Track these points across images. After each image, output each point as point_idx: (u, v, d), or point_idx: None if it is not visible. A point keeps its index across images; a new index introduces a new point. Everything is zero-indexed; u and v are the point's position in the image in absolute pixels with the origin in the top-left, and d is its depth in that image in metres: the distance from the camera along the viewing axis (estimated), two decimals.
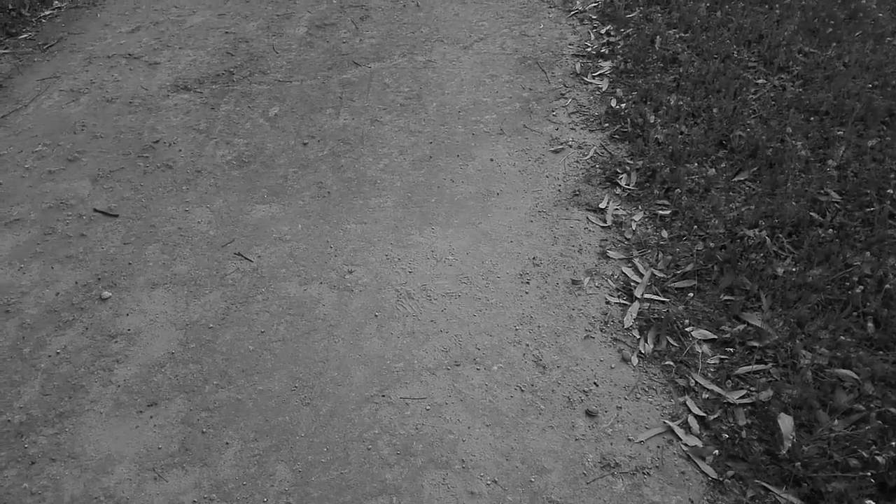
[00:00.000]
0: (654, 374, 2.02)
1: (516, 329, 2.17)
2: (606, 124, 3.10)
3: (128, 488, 1.76)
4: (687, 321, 2.13)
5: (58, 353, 2.11)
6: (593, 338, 2.14)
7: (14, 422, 1.92)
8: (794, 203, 2.45)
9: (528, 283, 2.32)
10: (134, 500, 1.73)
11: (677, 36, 3.68)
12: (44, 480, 1.78)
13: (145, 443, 1.87)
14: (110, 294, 2.30)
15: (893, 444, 1.70)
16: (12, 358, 2.09)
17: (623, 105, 3.17)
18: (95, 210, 2.67)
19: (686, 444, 1.83)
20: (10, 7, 4.09)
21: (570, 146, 2.98)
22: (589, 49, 3.72)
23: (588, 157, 2.90)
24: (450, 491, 1.75)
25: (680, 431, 1.86)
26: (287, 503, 1.72)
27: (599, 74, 3.48)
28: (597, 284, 2.31)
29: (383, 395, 1.98)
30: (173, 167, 2.89)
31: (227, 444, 1.86)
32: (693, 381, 1.98)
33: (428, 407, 1.95)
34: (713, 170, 2.69)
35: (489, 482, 1.76)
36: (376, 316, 2.22)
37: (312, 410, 1.94)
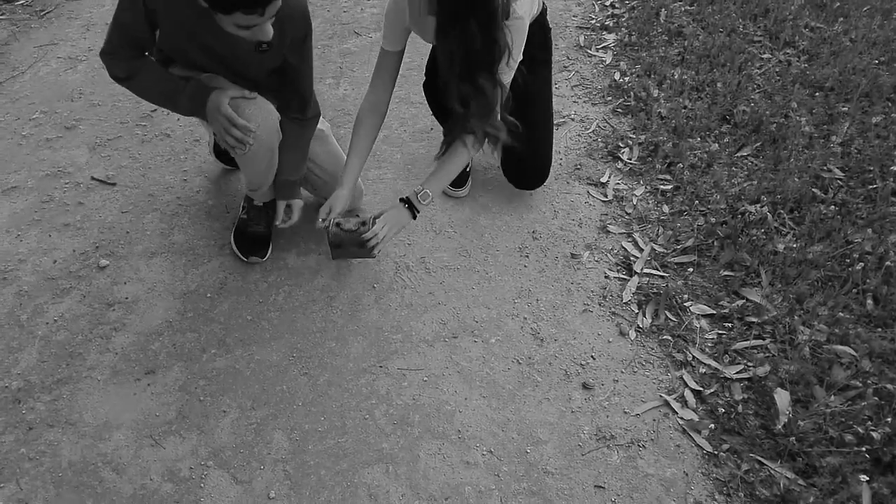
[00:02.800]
0: (652, 349, 2.02)
1: (514, 302, 2.17)
2: (609, 98, 3.07)
3: (125, 454, 1.77)
4: (686, 296, 2.13)
5: (55, 320, 2.11)
6: (591, 311, 2.14)
7: (11, 388, 1.92)
8: (796, 179, 2.44)
9: (527, 256, 2.32)
10: (131, 466, 1.74)
11: (683, 9, 3.64)
12: (41, 446, 1.79)
13: (143, 410, 1.87)
14: (108, 262, 2.29)
15: (889, 420, 1.70)
16: (10, 325, 2.09)
17: (626, 79, 3.14)
18: (93, 178, 2.65)
19: (682, 418, 1.83)
20: None
21: (573, 120, 2.95)
22: (593, 21, 3.68)
23: (590, 130, 2.88)
24: (445, 461, 1.76)
25: (676, 405, 1.86)
26: (284, 471, 1.73)
27: (603, 47, 3.45)
28: (596, 259, 2.30)
29: (381, 366, 1.98)
30: (171, 136, 2.87)
31: (224, 412, 1.87)
32: (690, 355, 1.98)
33: (425, 378, 1.95)
34: (716, 145, 2.68)
35: (485, 452, 1.77)
36: (374, 287, 2.22)
37: (310, 380, 1.95)
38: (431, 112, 2.55)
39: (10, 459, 1.76)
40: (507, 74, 1.90)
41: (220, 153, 2.58)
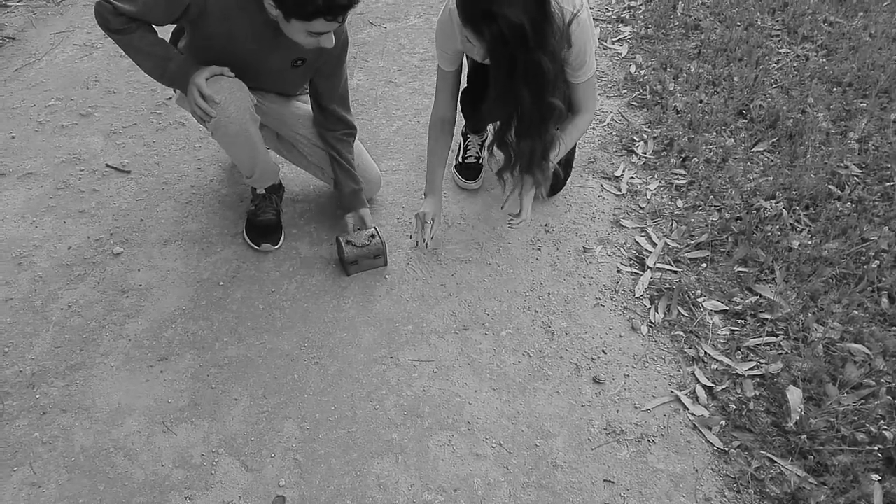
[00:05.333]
0: (664, 344, 2.01)
1: (526, 295, 2.16)
2: (625, 91, 3.05)
3: (137, 440, 1.79)
4: (699, 292, 2.12)
5: (70, 306, 2.13)
6: (603, 306, 2.13)
7: (26, 372, 1.94)
8: (812, 175, 2.41)
9: (539, 249, 2.31)
10: (143, 452, 1.76)
11: (700, 2, 3.60)
12: (55, 431, 1.81)
13: (155, 397, 1.89)
14: (122, 249, 2.31)
15: None
16: (25, 310, 2.11)
17: (642, 72, 3.12)
18: (108, 165, 2.66)
19: (693, 414, 1.83)
20: None
21: None
22: (609, 13, 3.65)
23: (605, 123, 2.86)
24: (455, 452, 1.76)
25: (687, 401, 1.86)
26: (294, 459, 1.74)
27: (619, 40, 3.42)
28: (608, 253, 2.29)
29: (391, 357, 1.99)
30: (186, 124, 2.87)
31: (236, 400, 1.88)
32: (702, 351, 1.97)
33: (436, 370, 1.96)
34: (732, 140, 2.66)
35: (494, 445, 1.77)
36: (386, 278, 2.22)
37: (321, 369, 1.95)
38: (465, 119, 2.52)
39: (24, 443, 1.78)
40: (580, 77, 2.00)
41: None
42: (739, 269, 2.18)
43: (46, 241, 2.34)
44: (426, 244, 2.22)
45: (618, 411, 1.85)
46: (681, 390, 1.88)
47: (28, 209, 2.47)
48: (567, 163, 2.39)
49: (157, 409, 1.86)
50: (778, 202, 2.33)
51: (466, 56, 2.11)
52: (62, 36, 3.52)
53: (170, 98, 3.02)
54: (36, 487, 1.68)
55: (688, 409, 1.84)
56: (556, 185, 2.43)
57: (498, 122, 1.97)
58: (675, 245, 2.29)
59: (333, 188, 2.34)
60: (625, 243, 2.33)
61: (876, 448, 1.65)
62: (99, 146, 2.77)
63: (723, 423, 1.79)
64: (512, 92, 1.75)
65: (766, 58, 3.11)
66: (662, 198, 2.49)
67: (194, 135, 2.81)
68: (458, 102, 2.28)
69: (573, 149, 2.39)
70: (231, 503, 1.66)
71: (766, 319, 2.02)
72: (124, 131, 2.85)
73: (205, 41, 1.89)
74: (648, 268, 2.22)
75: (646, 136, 2.76)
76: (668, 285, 2.15)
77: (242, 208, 2.45)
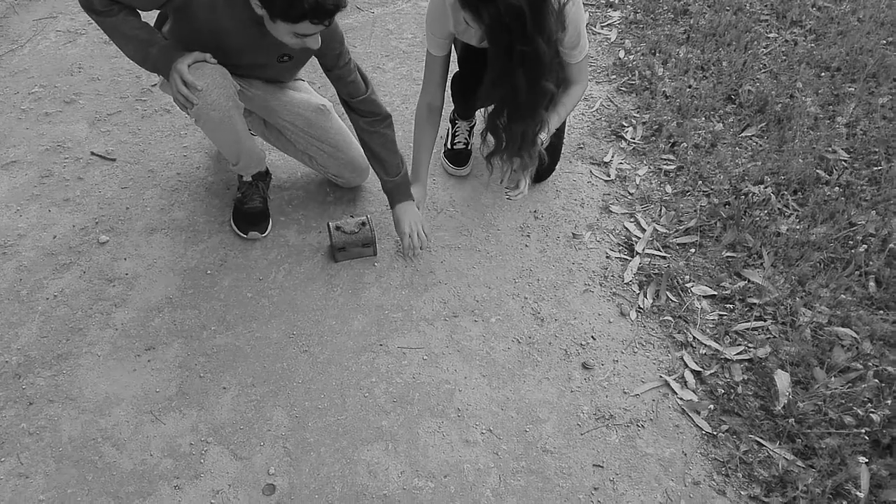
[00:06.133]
0: (652, 329, 2.02)
1: (515, 282, 2.16)
2: (613, 76, 3.04)
3: (125, 430, 1.78)
4: (687, 277, 2.12)
5: (55, 295, 2.11)
6: (592, 292, 2.13)
7: (12, 363, 1.92)
8: (800, 160, 2.42)
9: (528, 236, 2.31)
10: (131, 442, 1.75)
11: None
12: (42, 421, 1.79)
13: (143, 386, 1.88)
14: (108, 238, 2.28)
15: (889, 402, 1.71)
16: (10, 300, 2.09)
17: (631, 57, 3.10)
18: (93, 153, 2.63)
19: (681, 399, 1.84)
20: None
21: None
22: None
23: (594, 109, 2.85)
24: (445, 438, 1.76)
25: (676, 386, 1.86)
26: (284, 447, 1.74)
27: (608, 25, 3.40)
28: (598, 239, 2.29)
29: (381, 344, 1.98)
30: (171, 111, 2.84)
31: (224, 388, 1.87)
32: (691, 336, 1.98)
33: (425, 357, 1.95)
34: (720, 125, 2.65)
35: (484, 431, 1.78)
36: (375, 266, 2.21)
37: (310, 357, 1.95)
38: (455, 105, 2.50)
39: (11, 434, 1.76)
40: (575, 57, 2.03)
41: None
42: (728, 254, 2.18)
43: (31, 229, 2.31)
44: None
45: (607, 396, 1.85)
46: (669, 375, 1.89)
47: (12, 198, 2.44)
48: (555, 149, 2.38)
49: (144, 399, 1.85)
50: (766, 187, 2.34)
51: (456, 41, 2.10)
52: (45, 22, 3.47)
53: (154, 85, 2.98)
54: (23, 478, 1.67)
55: (676, 394, 1.85)
56: (544, 171, 2.42)
57: (489, 108, 1.97)
58: (663, 230, 2.29)
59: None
60: (614, 229, 2.33)
61: (863, 431, 1.66)
62: (83, 134, 2.73)
63: (711, 407, 1.80)
64: (508, 75, 1.76)
65: (755, 42, 3.10)
66: (651, 183, 2.49)
67: (180, 122, 2.78)
68: (449, 88, 2.28)
69: (561, 135, 2.38)
70: (220, 492, 1.65)
71: (755, 304, 2.03)
72: (109, 119, 2.81)
73: (189, 28, 1.86)
74: (637, 253, 2.22)
75: (634, 121, 2.75)
76: (656, 271, 2.15)
77: (229, 196, 2.43)
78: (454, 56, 2.18)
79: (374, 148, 2.16)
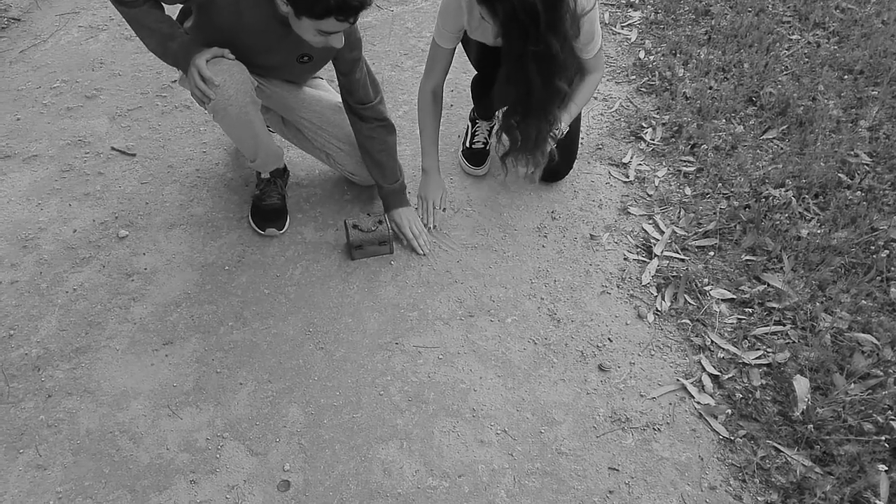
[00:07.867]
0: (670, 332, 2.00)
1: (532, 282, 2.15)
2: (633, 77, 3.02)
3: (142, 424, 1.79)
4: (706, 280, 2.10)
5: (75, 289, 2.12)
6: (609, 293, 2.12)
7: (31, 355, 1.94)
8: (822, 164, 2.39)
9: (545, 236, 2.30)
10: (148, 436, 1.76)
11: None
12: (60, 413, 1.81)
13: (160, 380, 1.89)
14: (127, 233, 2.30)
15: None
16: (30, 293, 2.11)
17: (651, 57, 3.09)
18: (113, 148, 2.65)
19: (698, 402, 1.82)
20: None
21: (595, 98, 2.91)
22: None
23: (613, 109, 2.84)
24: (460, 438, 1.76)
25: (693, 389, 1.85)
26: (299, 444, 1.74)
27: (628, 25, 3.38)
28: (616, 240, 2.28)
29: (397, 343, 1.98)
30: (191, 107, 2.86)
31: (240, 384, 1.88)
32: (709, 339, 1.96)
33: (441, 356, 1.95)
34: (741, 127, 2.63)
35: (499, 431, 1.77)
36: (391, 264, 2.21)
37: (326, 355, 1.95)
38: (475, 105, 2.52)
39: (30, 426, 1.78)
40: (590, 52, 2.06)
41: None
42: (747, 257, 2.16)
43: (51, 223, 2.34)
44: (434, 226, 2.28)
45: (623, 399, 1.84)
46: (687, 378, 1.88)
47: (33, 192, 2.46)
48: (570, 149, 2.37)
49: (162, 393, 1.86)
50: (787, 190, 2.31)
51: (467, 45, 2.16)
52: (67, 17, 3.50)
53: (174, 81, 3.00)
54: (41, 470, 1.69)
55: (693, 398, 1.83)
56: (560, 170, 2.42)
57: (505, 108, 1.98)
58: (682, 233, 2.27)
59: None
60: (632, 231, 2.31)
61: (883, 438, 1.64)
62: (104, 129, 2.75)
63: (729, 411, 1.78)
64: (521, 73, 1.78)
65: (777, 44, 3.08)
66: (670, 185, 2.47)
67: (199, 118, 2.80)
68: (469, 89, 2.29)
69: (577, 136, 2.37)
70: (236, 487, 1.66)
71: (774, 308, 2.01)
72: (129, 114, 2.83)
73: (211, 25, 1.87)
74: (655, 255, 2.21)
75: (654, 122, 2.74)
76: (675, 273, 2.13)
77: (247, 192, 2.44)
78: (462, 54, 2.23)
79: (373, 153, 2.20)
